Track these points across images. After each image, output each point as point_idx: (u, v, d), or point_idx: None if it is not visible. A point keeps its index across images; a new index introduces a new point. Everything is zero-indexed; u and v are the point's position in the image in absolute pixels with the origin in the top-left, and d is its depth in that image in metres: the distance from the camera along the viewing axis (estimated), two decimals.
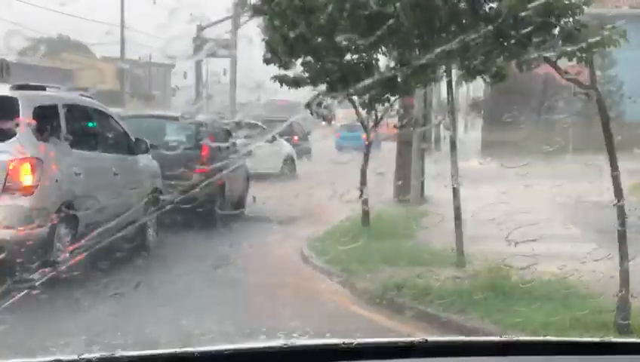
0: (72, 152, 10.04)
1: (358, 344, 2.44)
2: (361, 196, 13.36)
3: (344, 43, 11.51)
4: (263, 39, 12.70)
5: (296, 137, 28.73)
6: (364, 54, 12.68)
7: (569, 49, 8.03)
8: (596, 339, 2.66)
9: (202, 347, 2.23)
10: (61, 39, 56.32)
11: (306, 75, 12.99)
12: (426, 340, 2.49)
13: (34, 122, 9.39)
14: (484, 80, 10.76)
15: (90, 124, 10.97)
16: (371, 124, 14.11)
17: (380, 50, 12.54)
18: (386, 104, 13.74)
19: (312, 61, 12.93)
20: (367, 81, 12.28)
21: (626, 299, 7.40)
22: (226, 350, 2.20)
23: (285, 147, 25.91)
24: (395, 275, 9.73)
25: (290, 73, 13.28)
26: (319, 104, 12.57)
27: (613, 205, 7.53)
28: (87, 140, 10.66)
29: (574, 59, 8.24)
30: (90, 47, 58.14)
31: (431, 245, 11.78)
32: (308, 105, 12.76)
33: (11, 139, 9.19)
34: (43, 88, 10.42)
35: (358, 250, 11.41)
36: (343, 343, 2.38)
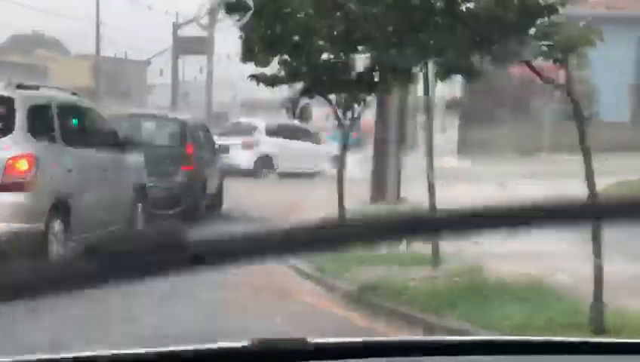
0: (64, 150, 10.37)
1: (332, 343, 2.43)
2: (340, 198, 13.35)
3: (321, 42, 11.51)
4: (240, 37, 12.67)
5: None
6: (341, 53, 12.68)
7: (545, 49, 8.05)
8: (571, 339, 2.66)
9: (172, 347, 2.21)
10: (35, 35, 56.00)
11: (283, 73, 12.97)
12: (402, 340, 2.47)
13: (29, 120, 9.77)
14: (461, 79, 10.79)
15: (81, 123, 11.31)
16: (348, 123, 14.10)
17: (356, 49, 12.55)
18: (363, 103, 13.73)
19: (289, 60, 12.91)
20: (344, 81, 12.28)
21: (600, 298, 7.43)
22: (206, 349, 2.18)
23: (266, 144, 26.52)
24: (370, 275, 9.73)
25: (267, 71, 13.26)
26: (296, 103, 12.55)
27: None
28: (79, 138, 10.95)
29: (550, 60, 8.26)
30: (65, 44, 57.86)
31: (407, 245, 11.79)
32: (284, 104, 12.74)
33: (8, 137, 9.57)
34: (37, 88, 10.89)
35: None
36: (317, 342, 2.37)
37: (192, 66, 55.67)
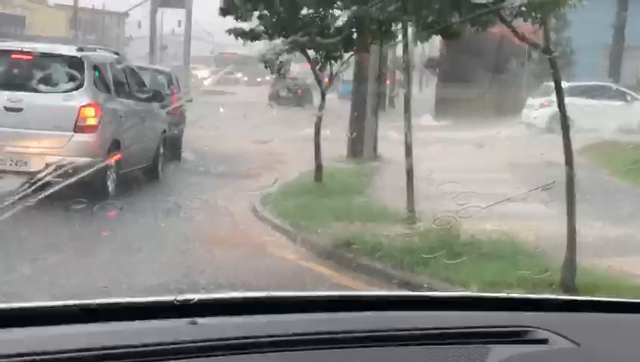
0: (116, 100, 12.58)
1: (306, 296, 2.45)
2: (316, 153, 13.37)
3: None
4: None
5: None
6: (320, 9, 12.61)
7: (524, 9, 8.04)
8: (543, 296, 2.69)
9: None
10: None
11: (262, 28, 12.89)
12: (372, 294, 2.49)
13: (93, 77, 12.05)
14: (440, 38, 10.77)
15: (123, 77, 13.41)
16: (326, 79, 14.06)
17: (336, 4, 12.48)
18: (340, 60, 13.68)
19: (268, 14, 12.83)
20: (323, 36, 12.22)
21: (573, 257, 7.52)
22: (167, 301, 2.18)
23: None
24: (345, 231, 9.77)
25: (246, 26, 13.17)
26: (274, 57, 12.49)
27: (566, 170, 7.62)
28: (124, 90, 13.13)
29: (529, 20, 8.25)
30: None
31: (382, 202, 11.84)
32: (262, 59, 12.68)
33: (80, 90, 11.81)
34: (94, 50, 13.53)
35: (309, 205, 11.43)
36: (285, 295, 2.38)
37: (170, 19, 55.16)
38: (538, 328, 2.25)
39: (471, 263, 8.24)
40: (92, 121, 11.65)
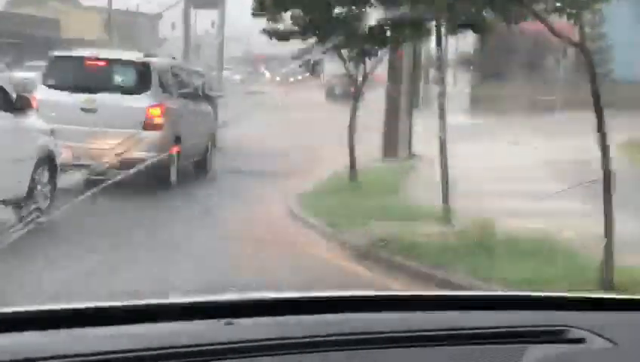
0: (176, 100, 13.94)
1: (340, 296, 2.44)
2: (351, 152, 13.37)
3: None
4: None
5: None
6: (353, 7, 12.59)
7: (559, 4, 7.97)
8: (580, 295, 2.67)
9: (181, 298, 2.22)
10: None
11: (295, 28, 12.90)
12: (410, 294, 2.48)
13: (158, 80, 13.47)
14: (474, 35, 10.71)
15: (181, 80, 14.92)
16: (360, 78, 14.04)
17: (369, 2, 12.45)
18: (375, 58, 13.66)
19: (301, 14, 12.83)
20: (356, 35, 12.20)
21: (610, 255, 7.44)
22: (204, 301, 2.19)
23: None
24: (381, 230, 9.75)
25: (280, 26, 13.19)
26: (308, 57, 12.51)
27: (602, 168, 7.55)
28: (182, 91, 14.39)
29: (564, 16, 8.18)
30: None
31: (418, 201, 11.80)
32: (296, 59, 12.70)
33: (148, 92, 13.22)
34: (156, 56, 15.42)
35: (345, 205, 11.42)
36: (323, 295, 2.38)
37: (204, 20, 55.38)
38: (575, 327, 2.23)
39: (507, 261, 8.19)
40: (158, 120, 13.02)
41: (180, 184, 13.30)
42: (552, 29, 8.08)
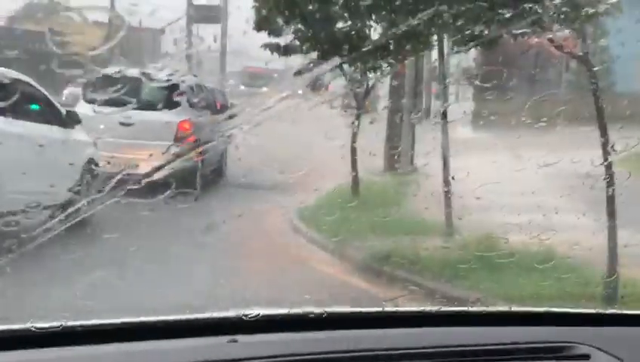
0: (201, 114, 15.33)
1: (346, 312, 2.42)
2: (353, 166, 13.34)
3: (336, 10, 11.42)
4: (254, 6, 12.60)
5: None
6: (356, 22, 12.58)
7: (561, 17, 7.95)
8: (584, 311, 2.64)
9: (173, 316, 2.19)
10: (51, 3, 55.80)
11: (297, 42, 12.90)
12: (413, 310, 2.46)
13: (186, 97, 15.12)
14: (477, 48, 10.71)
15: (202, 95, 16.47)
16: (362, 92, 14.02)
17: (372, 17, 12.45)
18: (378, 73, 13.64)
19: (304, 28, 12.83)
20: (360, 50, 12.20)
21: (614, 269, 7.40)
22: (208, 318, 2.17)
23: None
24: (383, 244, 9.71)
25: (281, 41, 13.20)
26: (309, 72, 12.50)
27: (604, 179, 7.52)
28: (203, 106, 16.01)
29: (566, 29, 8.17)
30: (83, 11, 57.64)
31: (420, 215, 11.76)
32: (298, 74, 12.69)
33: (178, 108, 14.82)
34: (184, 74, 16.40)
35: (347, 219, 11.39)
36: (328, 312, 2.35)
37: (206, 36, 55.47)
38: (580, 343, 2.20)
39: (510, 276, 8.15)
40: (187, 133, 14.50)
41: (203, 186, 14.31)
42: (554, 42, 8.07)
